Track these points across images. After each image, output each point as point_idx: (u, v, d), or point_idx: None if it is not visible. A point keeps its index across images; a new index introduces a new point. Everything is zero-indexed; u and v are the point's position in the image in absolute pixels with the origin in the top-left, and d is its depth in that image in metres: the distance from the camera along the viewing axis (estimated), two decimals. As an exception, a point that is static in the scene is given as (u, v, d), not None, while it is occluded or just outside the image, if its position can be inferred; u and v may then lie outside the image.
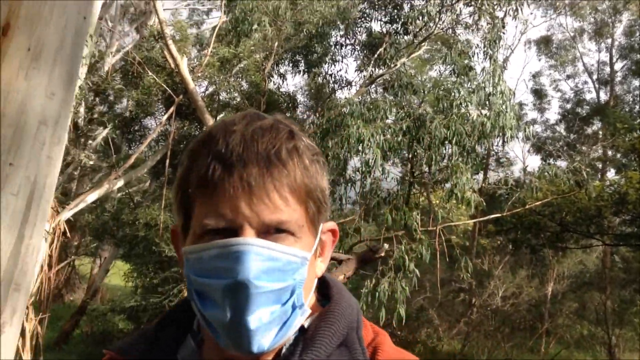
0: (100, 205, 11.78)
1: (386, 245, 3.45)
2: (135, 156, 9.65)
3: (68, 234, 10.28)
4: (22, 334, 8.98)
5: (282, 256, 0.76)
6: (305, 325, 0.82)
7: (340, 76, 11.47)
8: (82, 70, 7.47)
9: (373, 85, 11.04)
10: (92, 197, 10.04)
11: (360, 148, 7.49)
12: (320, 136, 8.01)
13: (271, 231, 0.76)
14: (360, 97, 9.67)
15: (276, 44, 9.68)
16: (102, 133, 13.75)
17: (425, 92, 9.40)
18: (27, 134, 1.48)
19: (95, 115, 16.88)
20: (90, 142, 15.43)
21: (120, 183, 10.41)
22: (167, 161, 9.41)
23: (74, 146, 16.74)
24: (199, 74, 10.16)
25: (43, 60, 1.51)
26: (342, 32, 11.04)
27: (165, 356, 0.86)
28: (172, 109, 9.77)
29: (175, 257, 8.50)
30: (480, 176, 11.53)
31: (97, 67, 16.50)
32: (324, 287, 0.90)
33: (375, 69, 10.30)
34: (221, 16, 10.32)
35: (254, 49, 10.30)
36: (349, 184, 8.49)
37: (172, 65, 9.80)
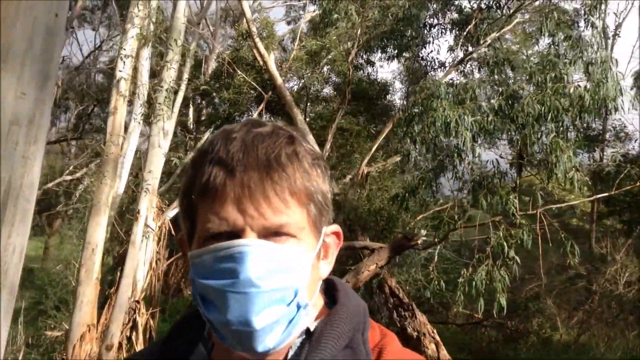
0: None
1: (423, 232, 3.22)
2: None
3: (173, 232, 10.84)
4: (135, 327, 9.59)
5: (283, 257, 0.78)
6: (312, 328, 0.83)
7: (432, 58, 11.08)
8: (169, 74, 7.78)
9: (468, 65, 10.55)
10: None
11: (447, 131, 7.15)
12: (405, 122, 7.76)
13: (272, 234, 0.79)
14: (450, 77, 9.27)
15: (359, 31, 9.51)
16: (206, 134, 14.33)
17: (523, 67, 8.81)
18: (-2, 135, 1.48)
19: (203, 118, 17.71)
20: (198, 144, 16.18)
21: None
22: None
23: (184, 149, 17.66)
24: (288, 69, 10.26)
25: (10, 61, 1.51)
26: (431, 12, 10.63)
27: None
28: (261, 106, 9.94)
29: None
30: (589, 154, 10.63)
31: (203, 71, 17.24)
32: (330, 290, 0.91)
33: (466, 47, 9.82)
34: (308, 10, 10.33)
35: (340, 39, 10.22)
36: (442, 170, 8.15)
37: (261, 63, 9.96)
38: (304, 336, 0.83)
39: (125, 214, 10.71)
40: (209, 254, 0.80)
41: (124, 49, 8.15)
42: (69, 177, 14.62)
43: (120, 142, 8.39)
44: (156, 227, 9.83)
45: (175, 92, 12.24)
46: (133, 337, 9.58)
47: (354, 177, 9.11)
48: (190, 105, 18.59)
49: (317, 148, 0.93)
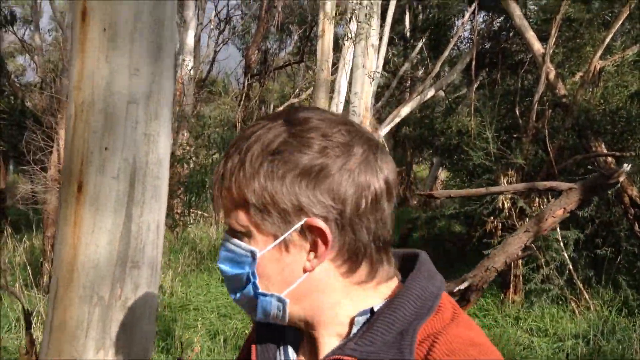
0: (414, 116, 12.05)
1: (626, 166, 2.55)
2: (440, 63, 9.42)
3: (387, 148, 10.89)
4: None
5: (232, 248, 0.93)
6: (376, 308, 0.89)
7: None
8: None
9: None
10: (405, 110, 10.32)
11: None
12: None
13: (232, 231, 0.93)
14: None
15: None
16: (419, 43, 13.80)
17: None
18: (117, 116, 1.49)
19: (419, 24, 17.00)
20: (409, 51, 15.72)
21: (431, 93, 10.40)
22: (473, 62, 8.90)
23: (401, 56, 17.33)
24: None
25: (120, 39, 1.47)
26: None
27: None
28: (473, 5, 9.12)
29: (484, 165, 8.19)
30: None
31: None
32: (410, 266, 0.95)
33: None
34: None
35: None
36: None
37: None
38: (368, 315, 0.90)
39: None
40: None
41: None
42: (295, 100, 15.51)
43: (329, 65, 8.50)
44: (371, 145, 9.95)
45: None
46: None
47: (585, 74, 7.95)
48: (407, 12, 18.00)
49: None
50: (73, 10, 1.51)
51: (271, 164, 0.88)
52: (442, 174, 14.16)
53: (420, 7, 16.44)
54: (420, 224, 11.74)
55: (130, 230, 1.53)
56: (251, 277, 0.91)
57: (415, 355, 0.83)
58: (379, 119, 13.51)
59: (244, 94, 13.43)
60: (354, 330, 0.90)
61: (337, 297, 0.92)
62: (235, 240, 0.92)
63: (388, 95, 14.06)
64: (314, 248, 0.90)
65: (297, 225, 0.90)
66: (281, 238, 0.91)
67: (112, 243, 1.50)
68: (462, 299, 2.31)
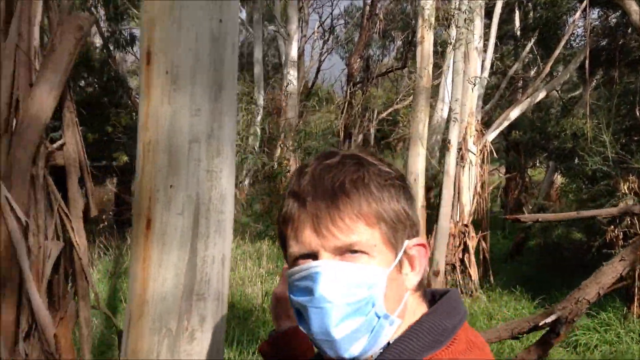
0: (527, 118, 11.46)
1: None
2: (551, 62, 8.91)
3: (495, 153, 10.46)
4: (466, 250, 9.75)
5: (354, 273, 0.87)
6: (391, 341, 0.92)
7: None
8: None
9: None
10: (514, 113, 9.88)
11: None
12: None
13: (345, 252, 0.89)
14: None
15: None
16: (530, 43, 13.20)
17: None
18: (181, 155, 1.55)
19: (530, 22, 16.29)
20: (519, 51, 15.08)
21: (542, 94, 9.86)
22: (587, 61, 8.33)
23: (511, 56, 16.70)
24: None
25: (181, 80, 1.53)
26: None
27: None
28: (585, 2, 8.54)
29: (602, 170, 7.60)
30: None
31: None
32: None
33: None
34: None
35: None
36: None
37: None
38: (386, 345, 0.91)
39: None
40: (295, 274, 0.94)
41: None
42: (399, 106, 15.39)
43: (429, 72, 8.33)
44: (477, 150, 9.63)
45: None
46: (465, 259, 9.80)
47: None
48: (516, 10, 17.28)
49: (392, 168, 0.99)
50: (140, 54, 1.59)
51: (390, 188, 0.93)
52: (559, 179, 13.39)
53: (530, 4, 15.69)
54: (535, 232, 11.15)
55: (196, 264, 1.58)
56: (376, 300, 0.88)
57: None
58: (488, 122, 13.03)
59: (347, 102, 13.52)
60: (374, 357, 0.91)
61: (407, 319, 0.95)
62: (356, 264, 0.88)
63: (497, 96, 13.52)
64: (411, 265, 0.96)
65: (410, 241, 0.94)
66: (400, 254, 0.93)
67: (178, 277, 1.56)
68: (552, 331, 2.15)
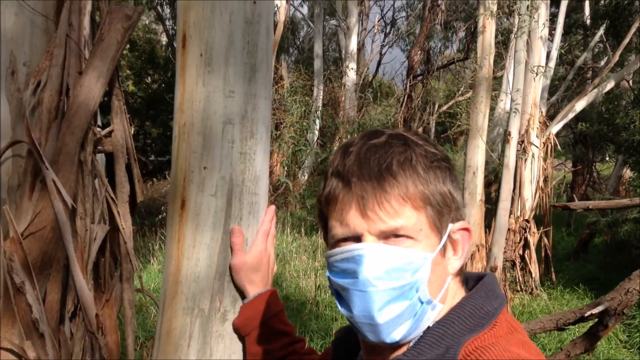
0: (592, 111, 10.94)
1: None
2: (620, 52, 8.47)
3: (559, 147, 10.06)
4: (527, 246, 9.45)
5: (399, 257, 0.86)
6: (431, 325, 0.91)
7: None
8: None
9: None
10: (580, 104, 9.47)
11: None
12: None
13: (390, 236, 0.88)
14: None
15: None
16: (599, 31, 12.64)
17: None
18: (215, 136, 1.56)
19: (600, 10, 15.59)
20: (589, 40, 14.50)
21: (611, 84, 9.40)
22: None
23: (580, 46, 16.06)
24: None
25: (215, 62, 1.54)
26: None
27: (355, 341, 1.04)
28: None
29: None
30: None
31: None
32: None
33: None
34: None
35: None
36: None
37: None
38: (426, 329, 0.91)
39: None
40: (336, 255, 0.93)
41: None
42: (460, 99, 15.06)
43: (490, 62, 8.10)
44: (540, 143, 9.30)
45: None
46: (526, 256, 9.49)
47: None
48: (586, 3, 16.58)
49: (437, 149, 0.96)
50: (177, 39, 1.61)
51: (436, 170, 0.91)
52: (627, 173, 12.73)
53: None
54: (601, 228, 10.68)
55: (228, 245, 1.58)
56: (420, 285, 0.87)
57: None
58: (554, 114, 12.58)
59: (407, 95, 13.36)
60: (412, 342, 0.91)
61: (447, 304, 0.94)
62: (402, 248, 0.87)
63: (564, 88, 13.01)
64: (454, 250, 0.95)
65: (454, 225, 0.93)
66: (445, 238, 0.92)
67: (211, 257, 1.57)
68: (600, 323, 2.04)
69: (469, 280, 1.01)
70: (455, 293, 0.96)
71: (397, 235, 0.87)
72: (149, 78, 15.04)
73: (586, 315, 2.02)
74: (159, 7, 18.44)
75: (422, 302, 0.87)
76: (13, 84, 2.05)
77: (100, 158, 2.34)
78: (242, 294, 1.58)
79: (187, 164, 1.58)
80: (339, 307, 0.94)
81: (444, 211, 0.91)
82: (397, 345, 0.91)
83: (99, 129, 2.27)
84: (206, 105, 1.55)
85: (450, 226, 0.93)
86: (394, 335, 0.87)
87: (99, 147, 2.25)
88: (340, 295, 0.93)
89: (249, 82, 1.58)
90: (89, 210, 2.12)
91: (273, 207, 1.51)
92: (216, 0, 1.53)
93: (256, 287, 1.45)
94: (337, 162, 0.94)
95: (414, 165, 0.88)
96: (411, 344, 0.91)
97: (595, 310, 1.95)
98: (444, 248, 0.92)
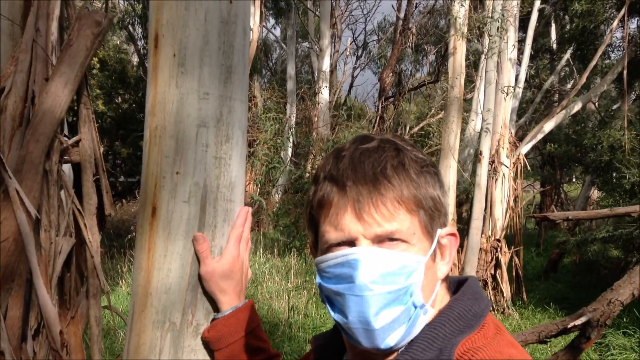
0: (560, 132, 11.17)
1: None
2: (587, 74, 8.67)
3: (528, 167, 10.19)
4: (498, 266, 9.49)
5: (394, 261, 0.85)
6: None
7: None
8: (498, 2, 7.08)
9: None
10: (549, 125, 9.64)
11: None
12: None
13: (385, 240, 0.87)
14: None
15: None
16: (566, 55, 12.95)
17: None
18: (188, 140, 1.49)
19: (566, 35, 16.01)
20: (555, 64, 14.85)
21: (578, 106, 9.60)
22: (625, 72, 8.08)
23: (547, 70, 16.43)
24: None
25: (189, 63, 1.48)
26: None
27: (338, 347, 1.03)
28: (623, 10, 8.30)
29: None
30: None
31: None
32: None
33: None
34: None
35: None
36: None
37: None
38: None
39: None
40: (329, 260, 0.91)
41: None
42: (431, 120, 15.22)
43: (460, 82, 8.20)
44: (510, 163, 9.41)
45: (529, 12, 11.30)
46: (497, 275, 9.53)
47: None
48: (552, 23, 17.01)
49: (424, 155, 0.97)
50: (149, 39, 1.55)
51: (426, 175, 0.92)
52: (595, 194, 12.98)
53: (567, 17, 15.43)
54: (570, 248, 10.82)
55: (202, 255, 1.50)
56: (414, 289, 0.87)
57: None
58: (523, 136, 12.81)
59: (379, 117, 13.44)
60: (402, 349, 0.89)
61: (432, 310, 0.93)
62: (396, 252, 0.86)
63: (532, 110, 13.27)
64: (442, 255, 0.95)
65: (442, 230, 0.93)
66: (435, 243, 0.92)
67: (184, 267, 1.49)
68: (582, 335, 2.01)
69: (451, 284, 1.02)
70: (442, 298, 0.96)
71: (392, 239, 0.87)
72: (120, 98, 14.85)
73: (569, 326, 1.99)
74: (130, 27, 18.33)
75: (415, 307, 0.87)
76: (-26, 89, 1.95)
77: (67, 169, 2.24)
78: (214, 304, 1.50)
79: (158, 169, 1.51)
80: (331, 314, 0.93)
81: (434, 215, 0.92)
82: (389, 352, 0.90)
83: (65, 138, 2.18)
84: (179, 108, 1.49)
85: (439, 231, 0.94)
86: (388, 340, 0.86)
87: (65, 157, 2.15)
88: (333, 302, 0.92)
89: (225, 84, 1.52)
90: (54, 222, 2.02)
91: (246, 208, 1.44)
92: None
93: (228, 296, 1.38)
94: (330, 167, 0.93)
95: (407, 170, 0.89)
96: (401, 349, 0.90)
97: (578, 322, 1.93)
98: (434, 253, 0.92)
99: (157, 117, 1.51)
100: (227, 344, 1.40)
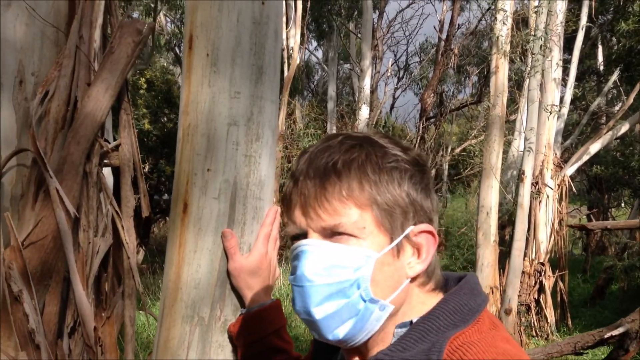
0: (607, 154, 10.86)
1: None
2: (634, 95, 8.43)
3: (574, 189, 9.93)
4: (542, 290, 9.21)
5: (339, 254, 0.86)
6: (414, 320, 0.90)
7: None
8: (541, 19, 7.00)
9: None
10: (595, 147, 9.40)
11: None
12: None
13: (332, 234, 0.88)
14: None
15: None
16: (613, 77, 12.67)
17: None
18: (219, 138, 1.52)
19: (613, 57, 15.67)
20: (602, 85, 14.55)
21: (625, 128, 9.34)
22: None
23: (593, 94, 16.09)
24: None
25: (221, 63, 1.52)
26: None
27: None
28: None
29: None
30: None
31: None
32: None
33: None
34: None
35: None
36: None
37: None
38: (407, 327, 0.90)
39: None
40: (290, 253, 0.95)
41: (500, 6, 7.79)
42: (473, 141, 15.04)
43: (503, 101, 8.10)
44: (555, 185, 9.19)
45: (574, 31, 11.13)
46: (541, 300, 9.24)
47: None
48: (599, 45, 16.70)
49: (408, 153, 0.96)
50: (184, 40, 1.60)
51: (392, 171, 0.90)
52: (645, 218, 12.48)
53: (613, 38, 15.13)
54: (618, 274, 10.43)
55: (230, 251, 1.52)
56: (362, 283, 0.87)
57: None
58: (568, 158, 12.51)
59: (419, 137, 13.36)
60: (393, 341, 0.90)
61: (406, 307, 0.93)
62: (342, 245, 0.87)
63: (578, 132, 12.96)
64: (417, 253, 0.93)
65: (415, 228, 0.92)
66: (397, 240, 0.90)
67: (213, 263, 1.51)
68: (620, 347, 1.92)
69: (450, 280, 1.01)
70: (423, 299, 0.95)
71: (338, 233, 0.88)
72: (165, 117, 15.21)
73: (605, 337, 1.91)
74: (176, 49, 18.85)
75: (364, 301, 0.86)
76: (20, 93, 2.04)
77: (107, 172, 2.30)
78: (241, 300, 1.51)
79: (190, 166, 1.54)
80: (293, 305, 0.95)
81: (394, 212, 0.90)
82: (357, 344, 0.92)
83: (106, 142, 2.24)
84: (211, 107, 1.52)
85: (411, 228, 0.92)
86: (337, 332, 0.87)
87: (105, 161, 2.22)
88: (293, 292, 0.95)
89: (256, 84, 1.55)
90: (93, 222, 2.08)
91: (276, 208, 1.45)
92: (224, 0, 1.51)
93: (255, 292, 1.39)
94: (295, 163, 0.97)
95: (361, 165, 0.89)
96: (393, 339, 0.91)
97: (616, 332, 1.85)
98: (399, 250, 0.91)
99: (190, 116, 1.54)
100: (250, 341, 1.40)
